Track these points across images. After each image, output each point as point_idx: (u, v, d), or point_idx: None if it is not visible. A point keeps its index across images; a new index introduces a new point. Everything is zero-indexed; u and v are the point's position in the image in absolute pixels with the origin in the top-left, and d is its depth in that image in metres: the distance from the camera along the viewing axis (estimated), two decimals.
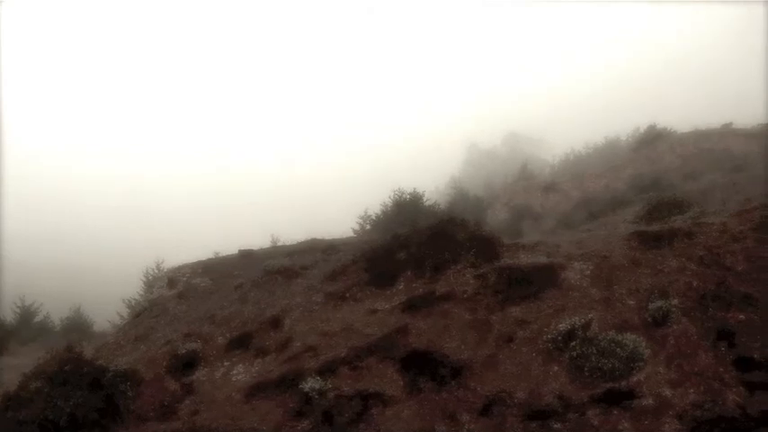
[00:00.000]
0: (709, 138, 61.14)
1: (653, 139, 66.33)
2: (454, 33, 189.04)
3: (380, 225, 45.10)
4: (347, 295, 26.21)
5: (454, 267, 25.46)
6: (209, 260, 34.48)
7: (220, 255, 35.62)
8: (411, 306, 23.63)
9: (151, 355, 25.12)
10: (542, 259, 24.55)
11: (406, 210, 44.73)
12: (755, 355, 18.16)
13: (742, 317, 19.53)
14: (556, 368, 19.19)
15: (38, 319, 47.23)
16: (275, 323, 25.08)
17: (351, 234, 46.91)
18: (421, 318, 22.75)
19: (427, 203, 47.49)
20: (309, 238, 36.23)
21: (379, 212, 47.90)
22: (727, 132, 62.22)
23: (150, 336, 28.10)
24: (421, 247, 26.81)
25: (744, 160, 50.77)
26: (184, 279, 32.63)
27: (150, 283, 47.42)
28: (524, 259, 24.99)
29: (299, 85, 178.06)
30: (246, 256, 34.31)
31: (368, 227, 48.66)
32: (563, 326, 20.06)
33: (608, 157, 71.99)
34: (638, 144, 68.07)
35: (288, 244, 35.27)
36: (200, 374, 23.39)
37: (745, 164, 49.20)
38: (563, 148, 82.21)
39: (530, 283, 23.09)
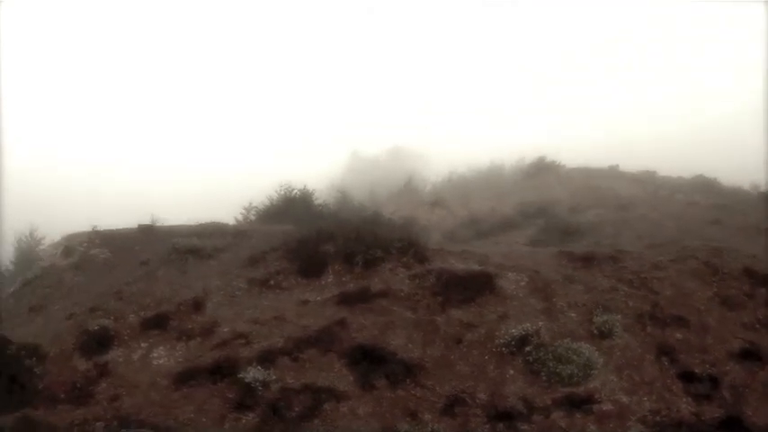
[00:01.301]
0: (596, 176, 64.85)
1: (540, 171, 68.54)
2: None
3: (266, 218, 43.87)
4: (272, 283, 24.88)
5: (385, 265, 24.94)
6: (107, 231, 31.80)
7: (114, 228, 33.02)
8: (345, 300, 22.87)
9: (53, 328, 22.56)
10: (475, 267, 24.42)
11: (295, 206, 43.86)
12: (696, 370, 19.96)
13: (679, 336, 21.28)
14: (512, 371, 19.50)
15: None
16: (196, 306, 23.00)
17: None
18: (359, 313, 21.98)
19: (317, 203, 47.06)
20: (210, 221, 34.17)
21: (265, 205, 46.79)
22: (614, 173, 67.11)
23: (47, 307, 25.48)
24: (348, 242, 25.93)
25: (629, 200, 53.14)
26: (81, 249, 29.88)
27: (23, 251, 45.08)
28: (456, 265, 24.74)
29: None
30: (147, 232, 31.87)
31: (252, 218, 47.14)
32: (515, 331, 20.39)
33: (492, 181, 72.33)
34: (526, 173, 69.94)
35: (188, 224, 33.00)
36: (114, 355, 20.91)
37: (630, 204, 51.44)
38: (446, 166, 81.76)
39: (466, 288, 22.99)
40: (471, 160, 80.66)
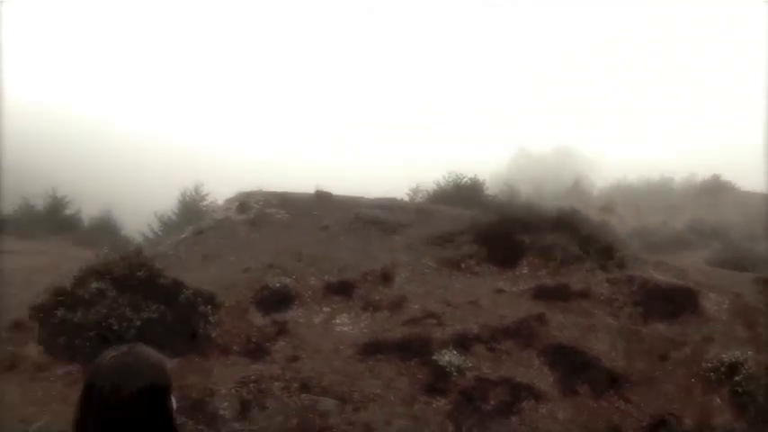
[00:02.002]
0: None
1: (714, 190, 66.13)
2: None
3: (434, 202, 42.25)
4: (463, 266, 22.92)
5: (582, 265, 22.69)
6: (283, 193, 30.74)
7: (290, 191, 31.93)
8: (542, 295, 20.68)
9: (227, 279, 21.04)
10: (676, 281, 21.94)
11: (463, 193, 42.68)
12: None
13: None
14: (718, 400, 16.90)
15: (67, 212, 44.76)
16: (384, 278, 21.14)
17: None
18: (558, 311, 19.81)
19: (486, 193, 46.13)
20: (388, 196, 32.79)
21: (434, 189, 46.40)
22: None
23: (221, 258, 24.04)
24: (545, 235, 23.79)
25: None
26: (257, 207, 28.74)
27: (187, 204, 45.89)
28: (657, 275, 22.22)
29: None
30: (323, 199, 30.51)
31: (418, 200, 46.52)
32: (726, 357, 17.59)
33: (661, 193, 70.13)
34: (698, 190, 68.14)
35: (366, 197, 31.61)
36: (294, 314, 19.23)
37: None
38: (612, 171, 79.29)
39: (668, 301, 20.56)
40: (641, 169, 78.37)
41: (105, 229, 43.21)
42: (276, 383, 15.48)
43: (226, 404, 14.74)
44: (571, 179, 73.97)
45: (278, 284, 20.13)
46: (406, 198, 46.13)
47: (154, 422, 3.11)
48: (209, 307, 18.18)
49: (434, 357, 16.53)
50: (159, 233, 42.60)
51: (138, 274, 17.85)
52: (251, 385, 15.32)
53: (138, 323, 16.22)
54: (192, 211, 43.84)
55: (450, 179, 45.25)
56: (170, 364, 10.56)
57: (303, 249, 23.62)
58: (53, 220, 42.20)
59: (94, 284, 17.60)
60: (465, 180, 44.92)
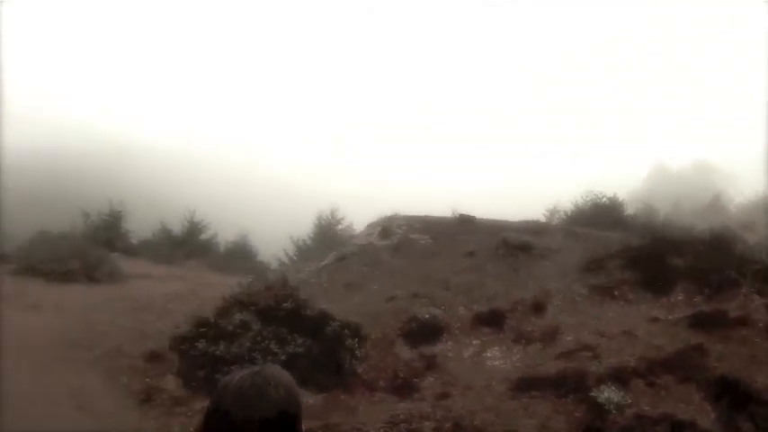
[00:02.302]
0: None
1: None
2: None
3: (571, 222, 40.79)
4: (616, 293, 21.44)
5: (738, 289, 20.74)
6: (425, 217, 30.03)
7: (431, 215, 31.18)
8: (700, 323, 18.99)
9: (373, 309, 20.41)
10: None
11: (602, 213, 40.63)
12: None
13: None
14: None
15: (203, 237, 45.23)
16: (536, 307, 20.07)
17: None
18: (717, 340, 18.05)
19: (626, 213, 43.96)
20: (529, 219, 31.70)
21: (572, 210, 44.50)
22: None
23: (365, 286, 23.48)
24: (699, 258, 22.23)
25: None
26: (400, 231, 28.16)
27: (323, 228, 45.74)
28: None
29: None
30: (467, 223, 29.58)
31: (555, 221, 44.79)
32: None
33: None
34: None
35: (508, 220, 30.57)
36: (443, 348, 18.40)
37: None
38: (748, 186, 76.30)
39: None
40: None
41: (241, 254, 43.34)
42: (427, 423, 14.51)
43: None
44: (707, 196, 71.13)
45: (426, 315, 19.36)
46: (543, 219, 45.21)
47: None
48: (356, 340, 17.45)
49: (592, 394, 15.29)
50: (295, 258, 42.62)
51: (285, 305, 17.19)
52: (401, 425, 14.35)
53: (284, 357, 15.57)
54: (327, 235, 43.87)
55: (589, 199, 43.68)
56: (314, 400, 9.62)
57: (449, 277, 22.91)
58: (190, 244, 42.86)
59: (238, 316, 17.15)
60: (604, 200, 43.24)
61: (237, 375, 2.92)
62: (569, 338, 18.45)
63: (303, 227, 46.45)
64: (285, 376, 3.02)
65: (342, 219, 46.66)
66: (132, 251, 39.77)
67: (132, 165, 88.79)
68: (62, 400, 16.28)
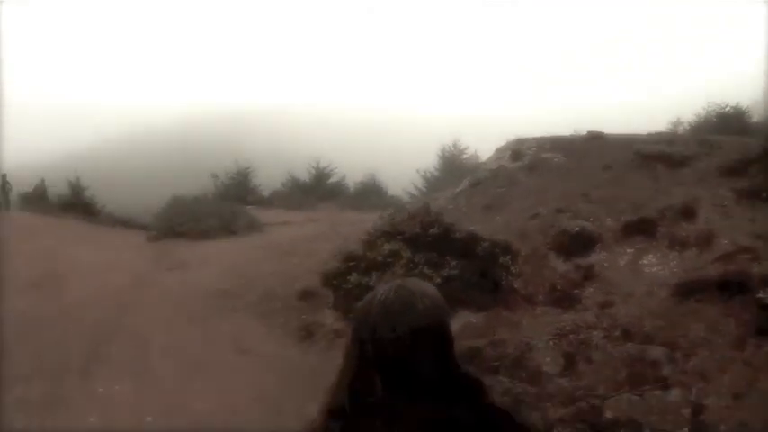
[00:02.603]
0: None
1: None
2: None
3: (697, 133, 40.13)
4: (764, 195, 20.55)
5: None
6: (555, 137, 29.69)
7: (560, 135, 30.85)
8: None
9: (517, 227, 20.30)
10: None
11: (728, 122, 40.51)
12: None
13: None
14: None
15: (332, 181, 46.56)
16: (686, 213, 19.59)
17: None
18: None
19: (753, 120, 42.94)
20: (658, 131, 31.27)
21: (695, 120, 45.21)
22: None
23: (505, 207, 23.44)
24: None
25: None
26: (531, 152, 27.96)
27: (446, 159, 46.65)
28: None
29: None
30: (596, 139, 29.13)
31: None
32: None
33: None
34: None
35: (637, 133, 30.02)
36: (598, 258, 18.19)
37: None
38: None
39: None
40: None
41: (371, 192, 44.04)
42: (595, 333, 14.35)
43: (548, 359, 13.67)
44: None
45: (576, 228, 19.13)
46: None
47: (436, 364, 2.78)
48: (509, 257, 17.30)
49: (759, 296, 14.79)
50: (424, 190, 42.95)
51: (432, 230, 17.14)
52: (570, 336, 14.22)
53: (438, 281, 15.42)
54: (453, 165, 44.23)
55: (712, 109, 43.91)
56: (475, 318, 9.56)
57: (590, 191, 22.59)
58: (319, 189, 43.72)
59: (387, 246, 17.12)
60: (727, 109, 43.16)
61: (380, 290, 2.86)
62: (725, 242, 17.91)
63: (427, 160, 47.37)
64: (429, 287, 2.89)
65: (465, 148, 47.26)
66: (265, 203, 41.11)
67: (254, 129, 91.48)
68: (224, 346, 16.68)
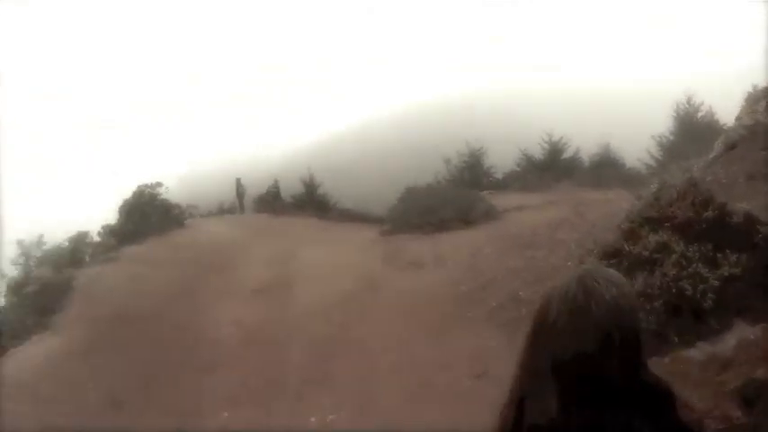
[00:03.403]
0: None
1: None
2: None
3: None
4: None
5: None
6: None
7: None
8: None
9: None
10: None
11: None
12: None
13: None
14: None
15: (566, 155, 43.47)
16: None
17: None
18: None
19: None
20: None
21: None
22: None
23: None
24: None
25: None
26: None
27: (682, 119, 42.18)
28: None
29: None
30: None
31: None
32: None
33: None
34: None
35: None
36: None
37: None
38: None
39: None
40: None
41: (607, 165, 40.99)
42: None
43: None
44: None
45: None
46: None
47: (623, 369, 2.46)
48: None
49: None
50: (659, 158, 39.55)
51: (706, 214, 13.62)
52: None
53: (716, 283, 12.06)
54: (690, 126, 40.54)
55: None
56: (753, 333, 6.62)
57: None
58: (554, 166, 41.57)
59: (653, 237, 13.59)
60: None
61: (562, 281, 2.60)
62: None
63: (659, 125, 43.87)
64: (614, 273, 2.65)
65: (700, 105, 42.50)
66: (500, 186, 40.06)
67: (479, 113, 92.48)
68: (457, 367, 14.69)
